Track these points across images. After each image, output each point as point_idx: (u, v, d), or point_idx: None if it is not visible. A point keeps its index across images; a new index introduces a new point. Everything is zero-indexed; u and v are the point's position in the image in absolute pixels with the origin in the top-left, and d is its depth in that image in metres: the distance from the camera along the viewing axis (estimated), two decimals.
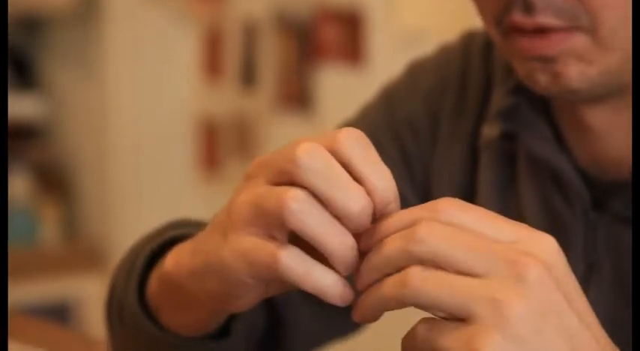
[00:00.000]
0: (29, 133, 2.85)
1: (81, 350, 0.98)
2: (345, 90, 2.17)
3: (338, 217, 0.58)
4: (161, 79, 2.68)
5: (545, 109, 0.84)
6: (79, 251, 2.79)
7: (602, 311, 0.76)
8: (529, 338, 0.54)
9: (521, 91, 0.83)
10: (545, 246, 0.57)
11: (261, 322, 0.85)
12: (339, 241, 0.58)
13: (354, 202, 0.58)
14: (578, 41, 0.74)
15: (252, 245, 0.60)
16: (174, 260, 0.70)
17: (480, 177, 0.87)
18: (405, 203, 0.90)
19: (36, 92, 2.88)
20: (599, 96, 0.77)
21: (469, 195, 0.88)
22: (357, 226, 0.58)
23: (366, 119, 0.94)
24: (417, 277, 0.55)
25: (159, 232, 0.83)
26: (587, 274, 0.79)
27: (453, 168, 0.89)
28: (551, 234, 0.81)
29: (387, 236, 0.58)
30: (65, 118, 2.88)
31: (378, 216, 0.59)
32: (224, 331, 0.79)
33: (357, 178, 0.59)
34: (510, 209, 0.85)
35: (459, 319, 0.54)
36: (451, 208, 0.57)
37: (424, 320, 0.56)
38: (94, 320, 2.66)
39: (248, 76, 2.51)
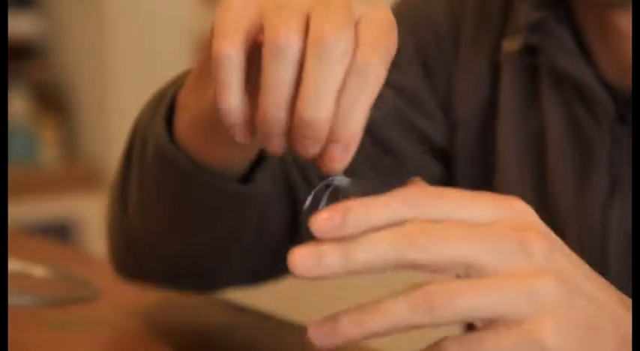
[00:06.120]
0: (27, 51, 2.83)
1: (80, 266, 0.98)
2: None
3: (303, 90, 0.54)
4: None
5: (571, 23, 0.84)
6: (78, 171, 2.79)
7: (625, 224, 0.77)
8: (568, 312, 0.53)
9: (548, 4, 0.83)
10: (525, 213, 0.55)
11: (284, 210, 0.84)
12: (276, 100, 0.55)
13: (322, 106, 0.54)
14: None
15: (235, 10, 0.58)
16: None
17: (502, 91, 0.87)
18: (420, 105, 0.89)
19: (33, 9, 2.85)
20: None
21: (490, 110, 0.88)
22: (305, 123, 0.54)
23: None
24: (443, 296, 0.52)
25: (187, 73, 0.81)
26: (611, 188, 0.80)
27: (475, 83, 0.89)
28: (576, 148, 0.82)
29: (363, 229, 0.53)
30: (63, 36, 2.86)
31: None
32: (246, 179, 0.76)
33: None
34: (531, 124, 0.85)
35: (490, 322, 0.53)
36: (428, 199, 0.54)
37: (450, 339, 0.53)
38: (93, 240, 2.67)
39: None
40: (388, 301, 0.52)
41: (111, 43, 2.68)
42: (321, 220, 0.53)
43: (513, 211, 0.55)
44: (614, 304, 0.56)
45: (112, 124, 2.70)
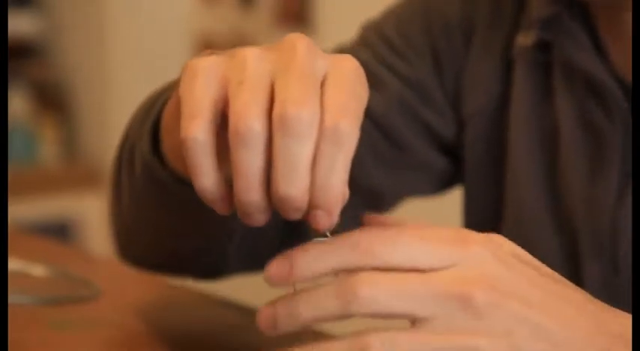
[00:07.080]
0: (27, 51, 2.82)
1: (80, 266, 0.98)
2: (346, 7, 2.15)
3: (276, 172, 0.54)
4: None
5: (585, 19, 0.84)
6: (77, 170, 2.79)
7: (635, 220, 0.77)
8: None
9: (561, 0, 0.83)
10: (482, 255, 0.56)
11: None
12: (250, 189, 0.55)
13: (296, 183, 0.54)
14: None
15: (200, 88, 0.56)
16: None
17: (514, 87, 0.87)
18: (428, 98, 0.89)
19: (33, 9, 2.85)
20: None
21: (502, 105, 0.88)
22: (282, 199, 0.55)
23: (397, 12, 0.94)
24: (379, 347, 0.53)
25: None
26: (623, 185, 0.80)
27: (486, 78, 0.89)
28: (588, 144, 0.82)
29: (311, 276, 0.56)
30: (63, 36, 2.86)
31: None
32: None
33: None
34: (544, 120, 0.85)
35: None
36: (378, 245, 0.55)
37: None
38: (93, 238, 2.67)
39: None
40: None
41: (111, 43, 2.68)
42: (272, 270, 0.56)
43: (469, 255, 0.56)
44: (580, 340, 0.56)
45: (112, 124, 2.70)
